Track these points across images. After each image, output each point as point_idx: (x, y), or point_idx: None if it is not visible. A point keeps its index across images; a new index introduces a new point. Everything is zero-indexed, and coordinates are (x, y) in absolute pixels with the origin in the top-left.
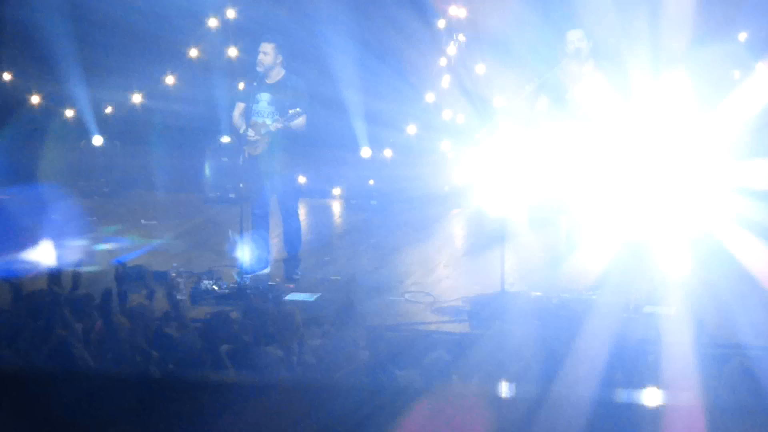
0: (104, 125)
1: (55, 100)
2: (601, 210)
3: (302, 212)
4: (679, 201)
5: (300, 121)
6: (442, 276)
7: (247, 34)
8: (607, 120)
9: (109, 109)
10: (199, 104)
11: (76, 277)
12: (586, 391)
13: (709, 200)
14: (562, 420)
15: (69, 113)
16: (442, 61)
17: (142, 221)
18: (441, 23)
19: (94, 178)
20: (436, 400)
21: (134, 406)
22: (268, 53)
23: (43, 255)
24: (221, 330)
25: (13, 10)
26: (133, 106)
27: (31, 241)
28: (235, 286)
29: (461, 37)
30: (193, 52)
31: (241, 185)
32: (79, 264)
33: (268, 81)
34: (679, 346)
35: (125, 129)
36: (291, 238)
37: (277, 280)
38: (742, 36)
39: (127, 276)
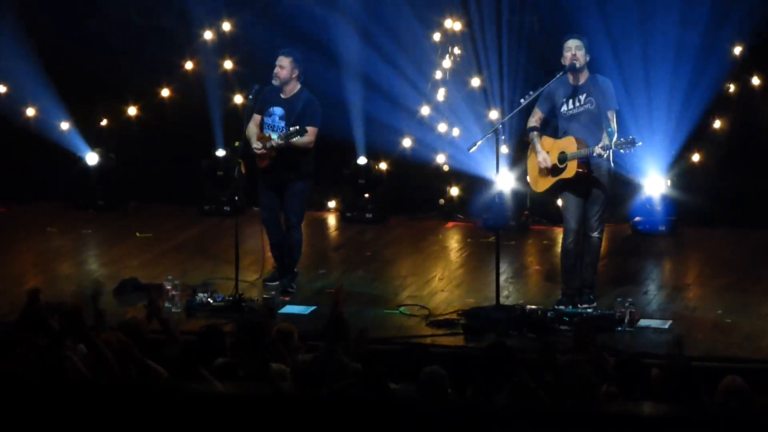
0: (99, 138)
1: (50, 113)
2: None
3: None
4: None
5: (304, 139)
6: (437, 289)
7: (242, 46)
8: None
9: (104, 122)
10: (194, 117)
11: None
12: (583, 404)
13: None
14: None
15: (64, 126)
16: (438, 74)
17: (137, 234)
18: (436, 36)
19: (89, 191)
20: (430, 414)
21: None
22: (284, 67)
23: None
24: (215, 343)
25: (8, 23)
26: (129, 118)
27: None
28: (231, 299)
29: (457, 50)
30: (189, 65)
31: (236, 198)
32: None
33: (282, 95)
34: (674, 360)
35: (120, 141)
36: (291, 251)
37: (272, 293)
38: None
39: (124, 289)
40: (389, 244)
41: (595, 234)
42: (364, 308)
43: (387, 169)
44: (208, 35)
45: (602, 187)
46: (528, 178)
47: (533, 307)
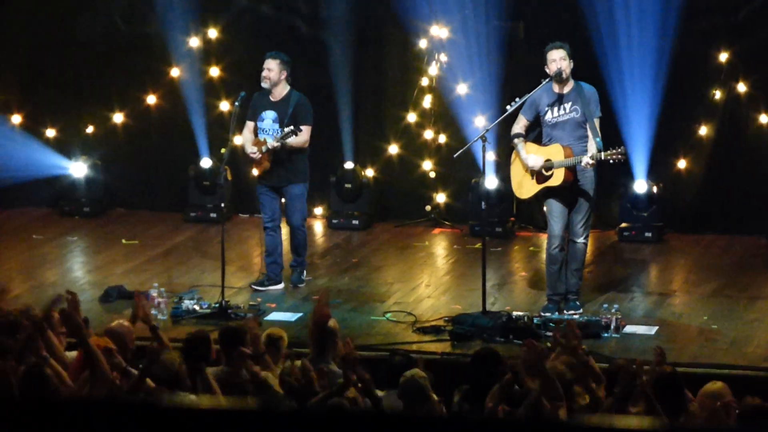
0: (85, 145)
1: (36, 120)
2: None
3: (284, 232)
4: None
5: (299, 138)
6: (423, 295)
7: (228, 53)
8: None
9: (90, 129)
10: (180, 124)
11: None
12: (568, 412)
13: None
14: None
15: (50, 133)
16: (424, 81)
17: (123, 241)
18: (423, 43)
19: (75, 198)
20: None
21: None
22: (272, 69)
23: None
24: (201, 350)
25: None
26: (114, 126)
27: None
28: (217, 305)
29: (443, 57)
30: (175, 72)
31: (222, 205)
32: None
33: (272, 98)
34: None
35: (106, 149)
36: (296, 246)
37: (259, 300)
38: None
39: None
40: (376, 251)
41: (581, 240)
42: (351, 315)
43: (374, 176)
44: (194, 42)
45: (587, 194)
46: (512, 184)
47: (519, 313)
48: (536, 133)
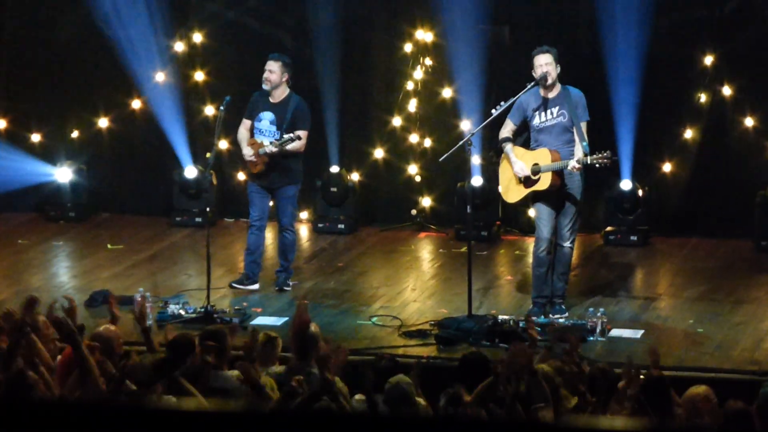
0: (70, 150)
1: (21, 125)
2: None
3: (269, 235)
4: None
5: (297, 144)
6: (409, 299)
7: (214, 57)
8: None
9: (75, 134)
10: (165, 128)
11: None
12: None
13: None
14: None
15: (35, 138)
16: (410, 85)
17: (109, 246)
18: (408, 47)
19: (60, 203)
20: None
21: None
22: (274, 71)
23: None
24: (184, 354)
25: None
26: (99, 130)
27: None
28: (203, 310)
29: (429, 61)
30: (160, 76)
31: (207, 209)
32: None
33: (272, 100)
34: (647, 369)
35: (91, 153)
36: (285, 250)
37: (245, 304)
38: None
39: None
40: (361, 255)
41: (567, 244)
42: (337, 319)
43: (359, 180)
44: (179, 47)
45: (574, 198)
46: (499, 188)
47: (505, 317)
48: (524, 137)
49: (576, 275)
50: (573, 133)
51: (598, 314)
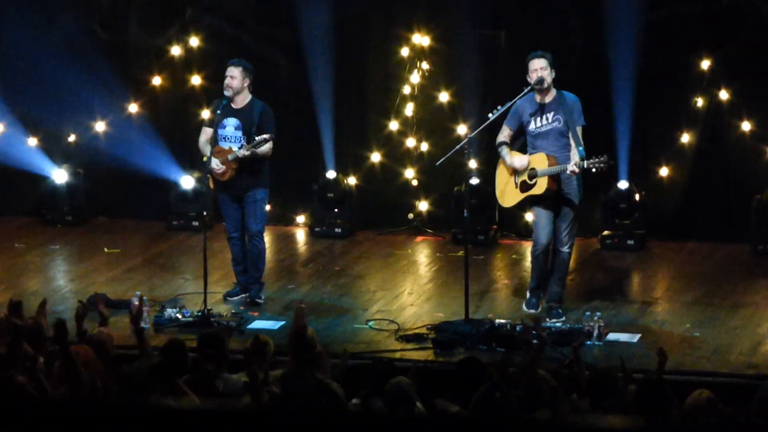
0: (67, 153)
1: (17, 129)
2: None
3: (267, 239)
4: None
5: (267, 147)
6: (406, 303)
7: (210, 61)
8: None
9: (72, 137)
10: (161, 132)
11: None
12: (552, 419)
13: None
14: None
15: (32, 141)
16: (406, 89)
17: (105, 249)
18: (404, 51)
19: (57, 206)
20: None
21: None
22: (235, 77)
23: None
24: (177, 358)
25: None
26: (96, 134)
27: None
28: (200, 314)
29: (425, 65)
30: (156, 80)
31: (204, 213)
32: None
33: (234, 106)
34: (644, 373)
35: (88, 157)
36: (255, 260)
37: (242, 308)
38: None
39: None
40: (358, 259)
41: (565, 249)
42: (333, 323)
43: (356, 184)
44: (175, 50)
45: (572, 203)
46: (496, 192)
47: (502, 321)
48: (521, 143)
49: (573, 279)
50: (569, 138)
51: (595, 318)
